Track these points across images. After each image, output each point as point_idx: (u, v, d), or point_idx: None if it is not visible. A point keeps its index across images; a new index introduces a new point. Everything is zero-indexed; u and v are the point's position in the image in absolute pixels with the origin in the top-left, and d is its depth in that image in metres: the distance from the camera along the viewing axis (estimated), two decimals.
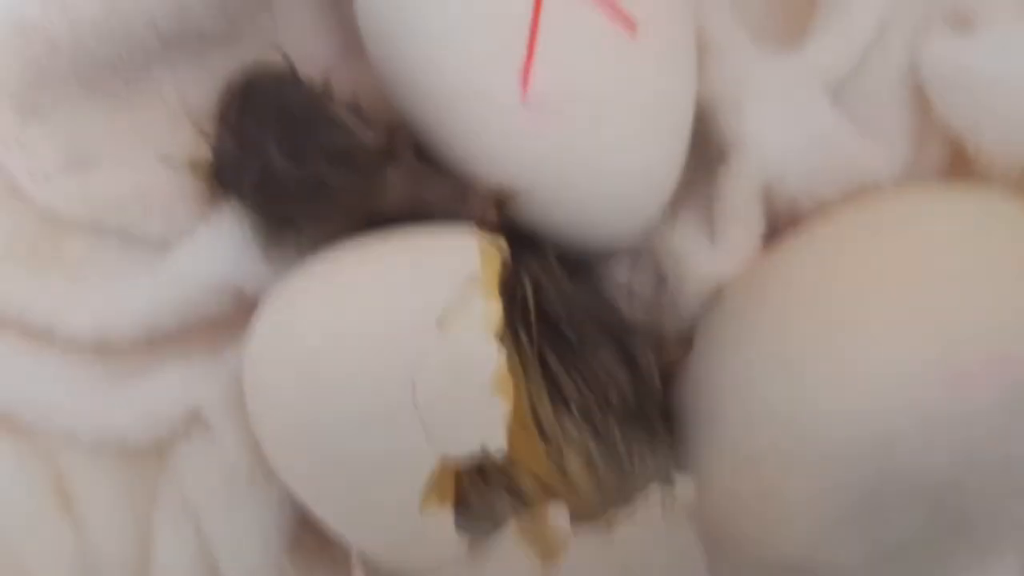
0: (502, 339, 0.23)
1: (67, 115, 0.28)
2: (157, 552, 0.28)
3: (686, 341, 0.28)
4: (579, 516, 0.24)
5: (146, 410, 0.28)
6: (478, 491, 0.24)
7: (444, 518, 0.23)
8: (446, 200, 0.26)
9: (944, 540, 0.23)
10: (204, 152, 0.28)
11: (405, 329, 0.23)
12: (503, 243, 0.25)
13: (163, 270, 0.28)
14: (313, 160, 0.25)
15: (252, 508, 0.27)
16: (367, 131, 0.26)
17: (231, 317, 0.28)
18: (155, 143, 0.29)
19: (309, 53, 0.29)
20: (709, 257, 0.28)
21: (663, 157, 0.27)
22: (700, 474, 0.26)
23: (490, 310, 0.23)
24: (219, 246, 0.28)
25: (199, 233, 0.28)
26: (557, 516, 0.24)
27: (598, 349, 0.26)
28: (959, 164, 0.28)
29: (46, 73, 0.27)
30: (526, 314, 0.25)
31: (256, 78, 0.27)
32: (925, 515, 0.23)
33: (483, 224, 0.26)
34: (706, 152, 0.29)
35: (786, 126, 0.28)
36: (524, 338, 0.25)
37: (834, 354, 0.24)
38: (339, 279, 0.25)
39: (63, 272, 0.28)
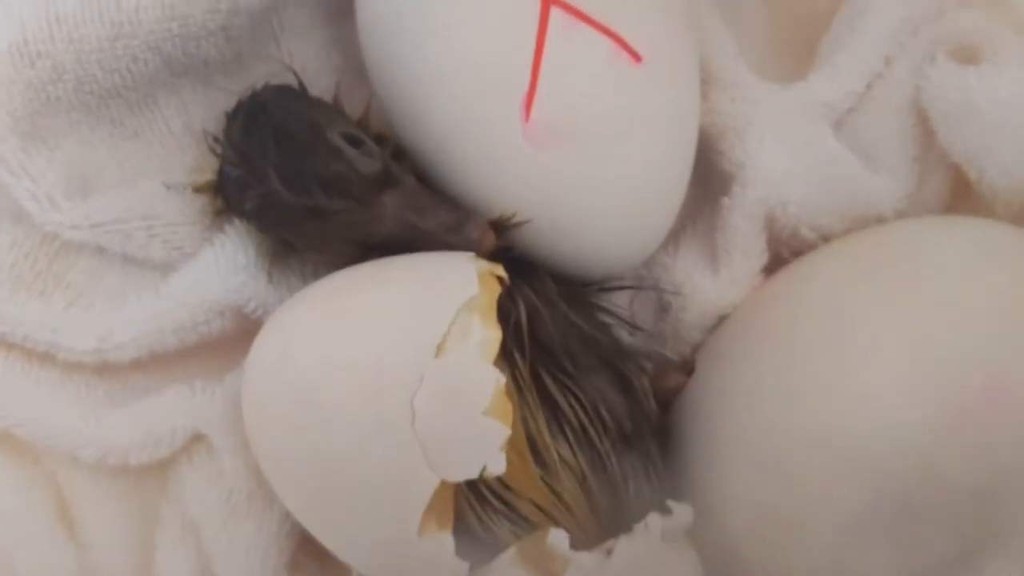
0: (499, 364, 0.23)
1: (72, 140, 0.28)
2: (157, 572, 0.28)
3: (688, 368, 0.28)
4: (577, 542, 0.24)
5: (147, 431, 0.28)
6: (477, 516, 0.24)
7: (443, 542, 0.23)
8: (443, 228, 0.26)
9: (975, 550, 0.24)
10: (209, 172, 0.28)
11: (404, 355, 0.23)
12: (501, 270, 0.25)
13: (166, 291, 0.28)
14: (309, 187, 0.25)
15: (252, 529, 0.27)
16: (364, 158, 0.26)
17: (233, 339, 0.28)
18: (159, 168, 0.29)
19: (313, 80, 0.29)
20: (711, 286, 0.28)
21: (665, 186, 0.27)
22: (702, 499, 0.26)
23: (489, 336, 0.23)
24: (222, 268, 0.28)
25: (202, 255, 0.28)
26: (557, 541, 0.24)
27: (593, 374, 0.26)
28: (962, 195, 0.28)
29: (51, 99, 0.27)
30: (521, 339, 0.25)
31: (261, 99, 0.27)
32: (955, 526, 0.23)
33: (480, 252, 0.26)
34: (709, 182, 0.29)
35: (789, 157, 0.28)
36: (519, 363, 0.25)
37: (836, 382, 0.24)
38: (338, 304, 0.25)
39: (66, 294, 0.28)
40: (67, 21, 0.26)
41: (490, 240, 0.26)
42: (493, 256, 0.26)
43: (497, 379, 0.23)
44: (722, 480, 0.26)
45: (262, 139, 0.26)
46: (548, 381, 0.25)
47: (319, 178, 0.25)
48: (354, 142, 0.26)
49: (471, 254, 0.25)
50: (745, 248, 0.28)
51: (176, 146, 0.29)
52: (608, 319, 0.28)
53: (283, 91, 0.27)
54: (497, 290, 0.24)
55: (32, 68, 0.26)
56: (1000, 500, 0.23)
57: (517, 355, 0.25)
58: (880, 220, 0.28)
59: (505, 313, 0.24)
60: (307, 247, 0.27)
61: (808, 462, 0.24)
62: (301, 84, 0.28)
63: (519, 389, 0.25)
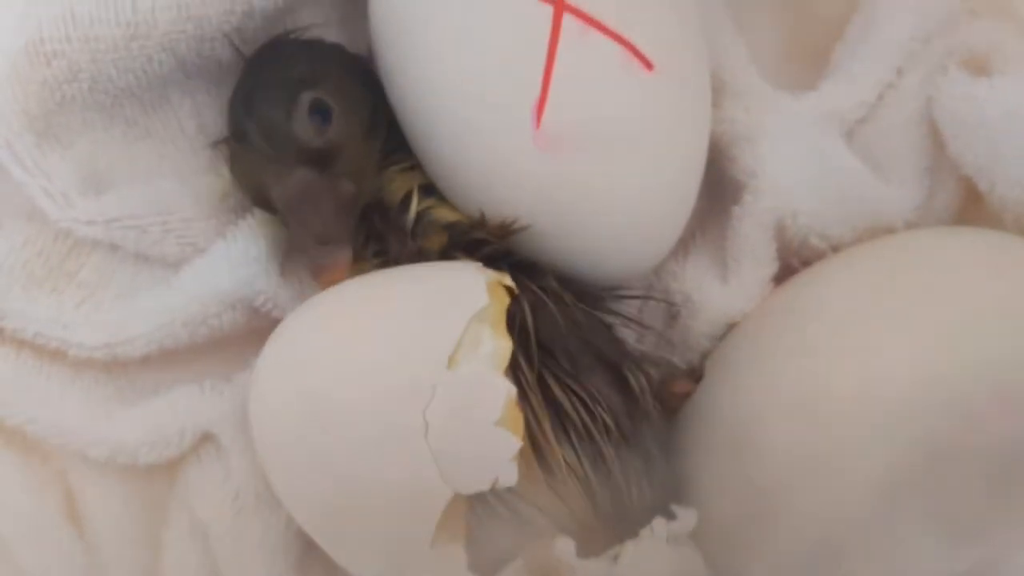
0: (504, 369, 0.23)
1: (86, 139, 0.28)
2: (165, 571, 0.28)
3: (696, 375, 0.28)
4: (583, 546, 0.24)
5: (157, 430, 0.28)
6: (484, 527, 0.24)
7: (456, 555, 0.23)
8: (313, 235, 0.25)
9: (1003, 512, 0.23)
10: (223, 173, 0.29)
11: (415, 367, 0.23)
12: (510, 279, 0.25)
13: (177, 284, 0.28)
14: (251, 115, 0.26)
15: (259, 529, 0.27)
16: (309, 127, 0.26)
17: (243, 335, 0.28)
18: (173, 168, 0.29)
19: None
20: (721, 294, 0.28)
21: (676, 193, 0.27)
22: (709, 507, 0.26)
23: (499, 347, 0.23)
24: (233, 260, 0.28)
25: (214, 248, 0.28)
26: (563, 549, 0.24)
27: (591, 374, 0.26)
28: (972, 207, 0.29)
29: (66, 98, 0.27)
30: (526, 343, 0.25)
31: (289, 38, 0.28)
32: (986, 485, 0.23)
33: (316, 279, 0.26)
34: (720, 190, 0.29)
35: (800, 165, 0.28)
36: (525, 368, 0.25)
37: (844, 389, 0.24)
38: (348, 316, 0.25)
39: (78, 292, 0.28)
40: (83, 21, 0.26)
41: (328, 277, 0.25)
42: (497, 260, 0.26)
43: (509, 390, 0.23)
44: (730, 485, 0.26)
45: (258, 67, 0.27)
46: (551, 384, 0.25)
47: (259, 114, 0.26)
48: (320, 111, 0.26)
49: (479, 264, 0.25)
50: (755, 256, 0.28)
51: (189, 147, 0.29)
52: (616, 321, 0.28)
53: (313, 41, 0.28)
54: (506, 300, 0.24)
55: (48, 67, 0.26)
56: None
57: (523, 359, 0.25)
58: (890, 230, 0.28)
59: (511, 316, 0.24)
60: (230, 165, 0.28)
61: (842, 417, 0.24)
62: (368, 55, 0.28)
63: (524, 394, 0.24)
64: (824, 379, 0.25)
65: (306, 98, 0.26)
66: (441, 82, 0.26)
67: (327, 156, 0.26)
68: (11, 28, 0.26)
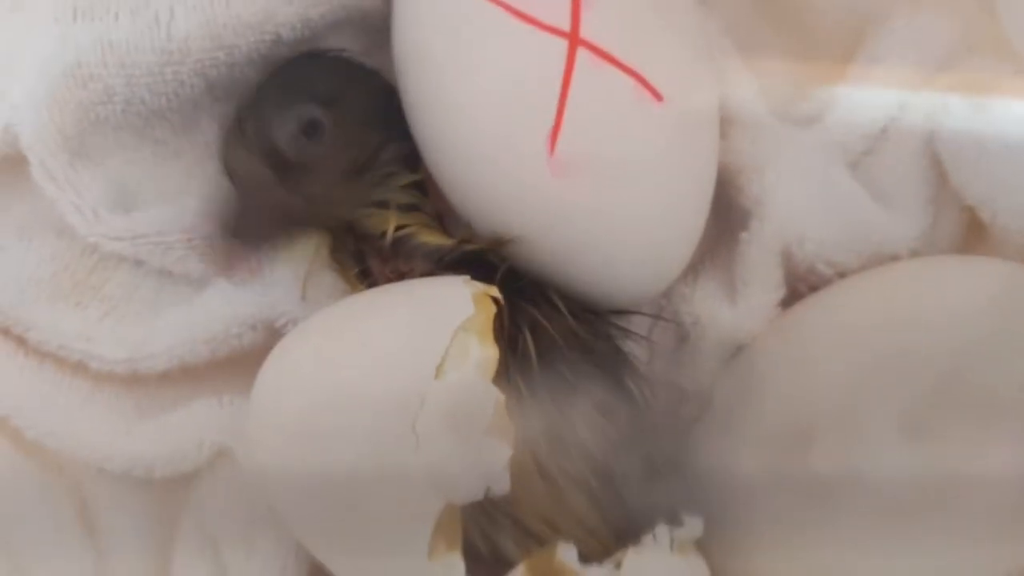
0: (499, 381, 0.24)
1: (117, 158, 0.29)
2: None
3: (705, 396, 0.29)
4: (590, 554, 0.24)
5: (175, 444, 0.28)
6: (484, 535, 0.25)
7: (454, 564, 0.23)
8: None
9: (949, 415, 0.24)
10: None
11: (404, 379, 0.23)
12: (496, 291, 0.25)
13: (200, 303, 0.29)
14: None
15: (271, 543, 0.28)
16: (291, 142, 0.27)
17: (262, 353, 0.28)
18: (200, 188, 0.30)
19: None
20: (729, 318, 0.29)
21: (684, 220, 0.28)
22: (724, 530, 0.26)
23: (486, 355, 0.23)
24: (256, 282, 0.28)
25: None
26: (565, 555, 0.24)
27: (592, 383, 0.26)
28: (976, 236, 0.29)
29: (100, 119, 0.28)
30: (522, 357, 0.25)
31: (321, 53, 0.29)
32: (928, 394, 0.24)
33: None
34: (728, 217, 0.30)
35: (806, 195, 0.29)
36: (520, 381, 0.25)
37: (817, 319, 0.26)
38: (336, 334, 0.25)
39: (102, 306, 0.29)
40: (120, 47, 0.27)
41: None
42: (501, 280, 0.26)
43: (497, 397, 0.23)
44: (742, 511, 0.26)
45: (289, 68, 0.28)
46: (548, 394, 0.25)
47: (258, 109, 0.27)
48: (312, 129, 0.27)
49: (465, 277, 0.25)
50: (763, 281, 0.29)
51: (217, 167, 0.30)
52: (624, 338, 0.29)
53: (352, 61, 0.29)
54: (492, 310, 0.24)
55: (84, 89, 0.27)
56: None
57: (518, 374, 0.25)
58: (894, 258, 0.29)
59: (507, 331, 0.25)
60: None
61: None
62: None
63: (520, 404, 0.25)
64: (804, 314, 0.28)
65: (304, 112, 0.27)
66: (460, 110, 0.27)
67: (296, 170, 0.27)
68: (49, 53, 0.27)
